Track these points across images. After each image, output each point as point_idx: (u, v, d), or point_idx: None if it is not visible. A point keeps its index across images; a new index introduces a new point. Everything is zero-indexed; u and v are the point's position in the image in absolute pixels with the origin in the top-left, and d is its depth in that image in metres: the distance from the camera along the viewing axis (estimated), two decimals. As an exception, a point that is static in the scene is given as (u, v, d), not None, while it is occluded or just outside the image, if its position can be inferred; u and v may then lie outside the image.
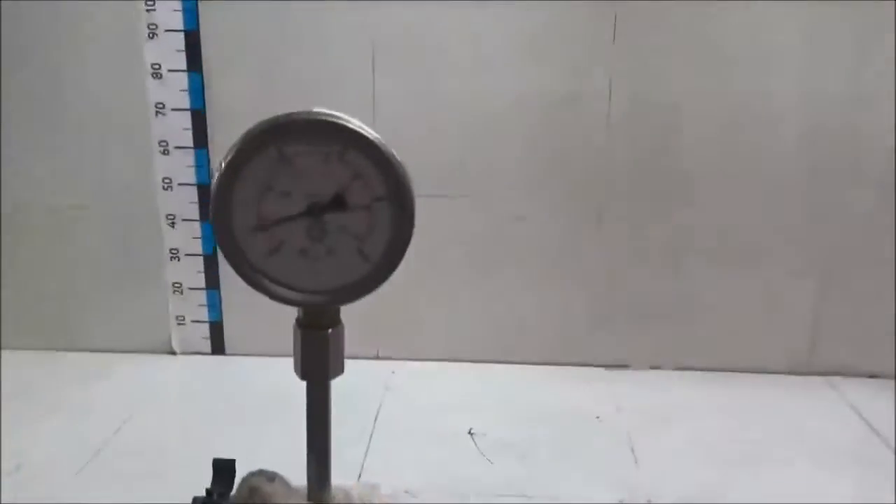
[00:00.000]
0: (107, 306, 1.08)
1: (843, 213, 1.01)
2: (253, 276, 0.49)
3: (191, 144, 1.01)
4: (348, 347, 1.09)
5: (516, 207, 1.03)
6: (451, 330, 1.08)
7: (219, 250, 0.48)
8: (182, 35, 0.98)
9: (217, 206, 0.47)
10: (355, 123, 0.48)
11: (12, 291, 1.07)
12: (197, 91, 1.00)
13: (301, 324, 0.52)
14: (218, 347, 1.09)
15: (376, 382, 1.02)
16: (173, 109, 1.00)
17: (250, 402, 0.95)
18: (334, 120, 0.47)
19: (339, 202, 0.47)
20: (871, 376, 1.05)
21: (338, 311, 0.53)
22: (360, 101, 0.99)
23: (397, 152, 0.49)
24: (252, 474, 0.55)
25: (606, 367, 1.08)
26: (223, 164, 0.47)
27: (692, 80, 0.98)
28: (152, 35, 0.98)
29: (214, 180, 0.48)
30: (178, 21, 0.97)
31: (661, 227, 1.03)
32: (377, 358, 1.09)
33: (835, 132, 0.99)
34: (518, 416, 0.94)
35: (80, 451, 0.82)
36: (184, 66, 0.99)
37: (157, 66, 0.99)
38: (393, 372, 1.06)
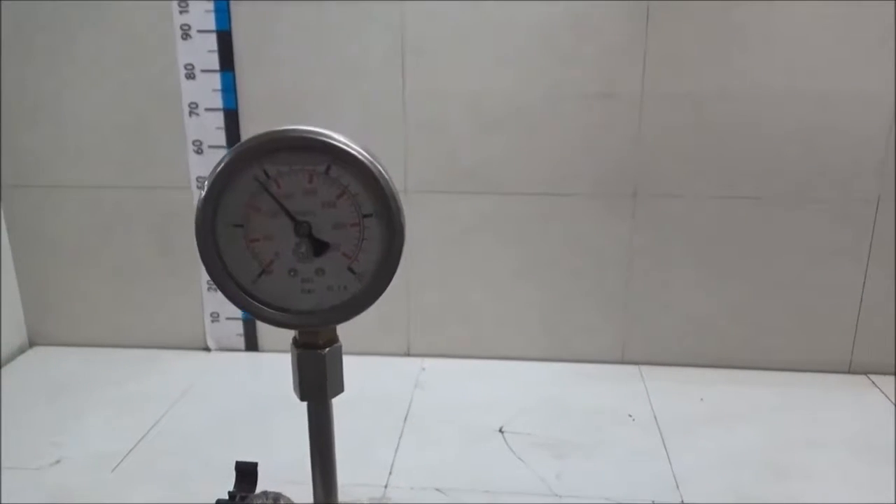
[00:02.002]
0: (143, 303, 1.11)
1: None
2: (242, 299, 0.48)
3: (224, 143, 1.03)
4: (378, 344, 1.09)
5: (549, 203, 1.01)
6: (481, 327, 1.07)
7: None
8: (214, 35, 0.99)
9: (202, 230, 0.47)
10: (341, 140, 0.47)
11: (51, 288, 1.11)
12: (229, 91, 1.00)
13: (297, 343, 0.51)
14: (251, 344, 1.11)
15: (406, 380, 1.02)
16: (206, 109, 1.02)
17: (283, 399, 0.95)
18: (318, 137, 0.46)
19: (321, 246, 0.47)
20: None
21: (334, 330, 0.52)
22: (391, 99, 0.98)
23: (385, 169, 0.47)
24: (256, 496, 0.55)
25: (640, 364, 1.06)
26: (206, 186, 0.47)
27: (727, 73, 0.94)
28: (185, 36, 0.99)
29: (197, 204, 0.47)
30: (210, 22, 0.98)
31: (696, 223, 1.00)
32: (407, 355, 1.09)
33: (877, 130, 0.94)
34: (550, 414, 0.93)
35: (117, 448, 0.85)
36: (216, 66, 1.00)
37: (190, 67, 1.00)
38: (423, 369, 1.06)
